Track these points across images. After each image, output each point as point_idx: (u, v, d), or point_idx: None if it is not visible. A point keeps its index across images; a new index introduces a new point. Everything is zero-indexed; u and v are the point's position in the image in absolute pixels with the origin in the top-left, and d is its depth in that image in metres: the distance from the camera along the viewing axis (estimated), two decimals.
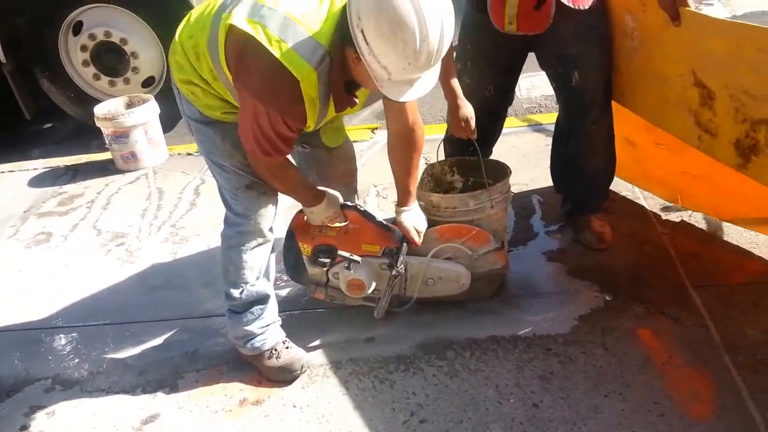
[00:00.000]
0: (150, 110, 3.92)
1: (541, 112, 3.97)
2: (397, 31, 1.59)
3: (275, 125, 1.78)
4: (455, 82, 2.38)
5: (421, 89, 1.74)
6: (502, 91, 2.61)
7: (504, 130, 2.83)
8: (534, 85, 4.26)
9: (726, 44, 2.01)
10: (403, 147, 2.18)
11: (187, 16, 2.01)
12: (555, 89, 2.64)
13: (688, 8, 2.10)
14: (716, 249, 2.52)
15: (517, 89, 2.77)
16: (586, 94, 2.52)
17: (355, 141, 2.84)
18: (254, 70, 1.74)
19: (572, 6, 2.30)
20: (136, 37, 4.34)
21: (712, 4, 5.01)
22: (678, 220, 2.78)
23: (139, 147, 3.87)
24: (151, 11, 4.23)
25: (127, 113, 3.85)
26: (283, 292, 2.64)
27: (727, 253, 2.52)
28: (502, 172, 2.48)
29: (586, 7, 2.34)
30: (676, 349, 2.15)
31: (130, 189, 3.72)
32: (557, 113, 2.79)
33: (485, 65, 2.51)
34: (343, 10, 1.69)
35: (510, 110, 2.82)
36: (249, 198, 2.11)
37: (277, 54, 1.67)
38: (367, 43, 1.62)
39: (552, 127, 3.02)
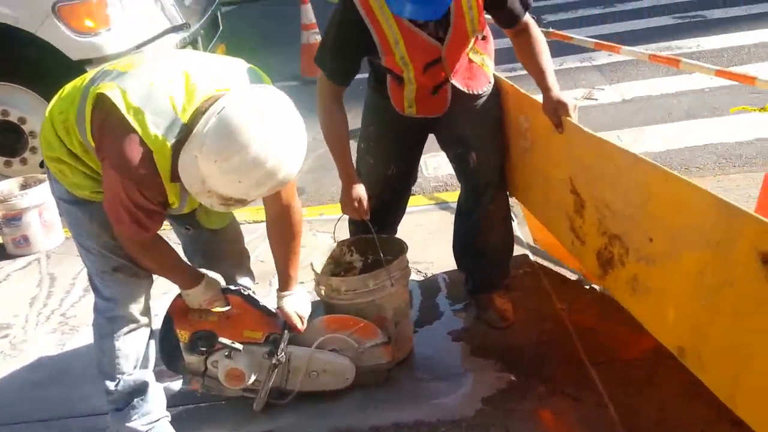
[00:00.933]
0: (46, 191, 3.77)
1: (447, 190, 4.01)
2: (244, 174, 1.64)
3: (131, 195, 1.74)
4: (347, 162, 2.41)
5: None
6: (405, 170, 2.67)
7: (411, 209, 2.87)
8: (440, 164, 4.32)
9: (593, 157, 2.13)
10: (279, 230, 2.16)
11: (60, 91, 1.98)
12: (455, 169, 2.72)
13: (569, 118, 2.22)
14: (612, 324, 2.58)
15: (424, 168, 2.85)
16: (482, 175, 2.59)
17: (258, 222, 2.80)
18: (111, 138, 1.72)
19: (466, 90, 2.40)
20: (36, 116, 4.21)
21: (603, 89, 5.32)
22: (575, 294, 2.84)
23: (33, 230, 3.70)
24: (51, 90, 4.12)
25: (21, 194, 3.69)
26: (176, 385, 2.51)
27: (622, 327, 2.57)
28: (399, 248, 2.49)
29: (480, 92, 2.45)
30: (577, 430, 2.15)
31: (20, 275, 3.53)
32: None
33: (387, 146, 2.57)
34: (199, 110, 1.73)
35: (417, 188, 2.88)
36: (117, 281, 2.03)
37: (132, 122, 1.68)
38: (205, 179, 1.68)
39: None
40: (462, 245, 2.87)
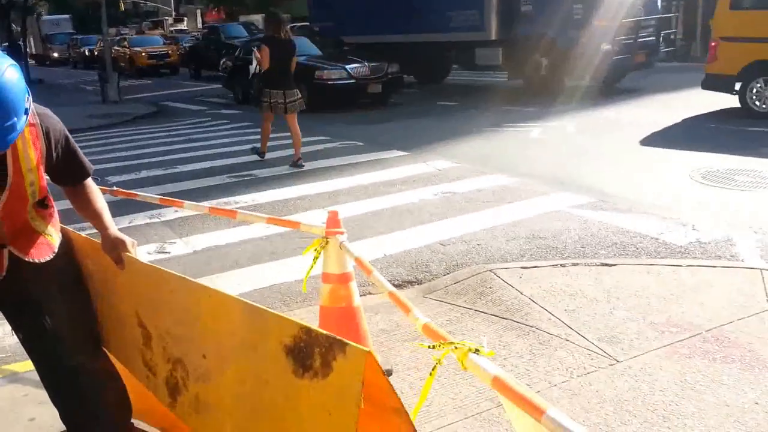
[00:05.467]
0: None
1: (17, 360, 3.83)
2: None
3: None
4: None
5: None
6: None
7: None
8: (6, 332, 4.10)
9: (152, 285, 2.32)
10: None
11: None
12: (22, 340, 2.50)
13: (128, 253, 2.38)
14: None
15: None
16: (63, 338, 2.42)
17: None
18: None
19: (27, 259, 2.33)
20: None
21: (174, 242, 5.74)
22: None
23: None
24: None
25: None
26: None
27: None
28: None
29: (43, 261, 2.37)
30: None
31: None
32: (35, 368, 2.59)
33: None
34: None
35: None
36: None
37: None
38: None
39: (33, 375, 2.87)
40: (70, 419, 2.59)
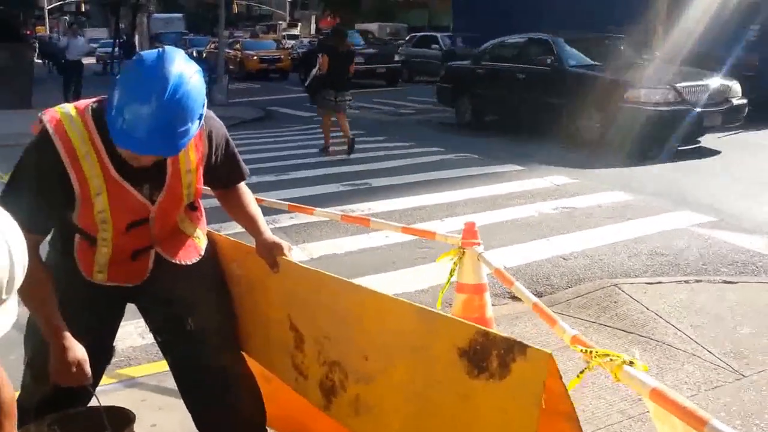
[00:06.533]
0: None
1: (130, 365, 3.92)
2: None
3: None
4: (54, 316, 2.11)
5: None
6: (99, 344, 2.34)
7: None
8: (119, 336, 4.11)
9: (309, 289, 2.33)
10: None
11: None
12: (163, 342, 2.55)
13: (284, 257, 2.38)
14: None
15: None
16: (207, 340, 2.45)
17: None
18: None
19: (173, 260, 2.35)
20: None
21: (292, 249, 6.11)
22: None
23: None
24: None
25: None
26: None
27: None
28: (125, 419, 2.29)
29: (189, 263, 2.39)
30: None
31: None
32: (171, 370, 2.62)
33: (73, 316, 2.18)
34: None
35: None
36: None
37: None
38: None
39: (149, 380, 3.13)
40: (208, 422, 2.61)
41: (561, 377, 1.63)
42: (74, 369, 2.11)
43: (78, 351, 2.13)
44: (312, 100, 11.59)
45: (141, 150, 1.98)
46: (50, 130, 2.05)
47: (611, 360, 1.71)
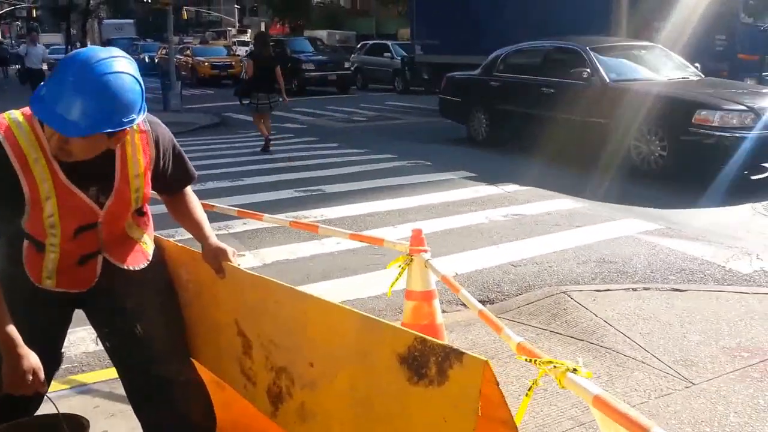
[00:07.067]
0: None
1: (83, 371, 3.89)
2: None
3: None
4: (6, 323, 2.08)
5: None
6: (49, 351, 2.31)
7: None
8: (72, 342, 3.94)
9: (256, 295, 2.36)
10: None
11: None
12: (111, 348, 2.51)
13: (230, 263, 2.42)
14: None
15: None
16: (155, 345, 2.43)
17: None
18: None
19: (121, 266, 2.36)
20: None
21: (244, 255, 6.00)
22: None
23: None
24: None
25: None
26: None
27: None
28: (79, 426, 2.31)
29: (137, 269, 2.40)
30: None
31: None
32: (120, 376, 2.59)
33: (25, 322, 2.16)
34: None
35: None
36: None
37: None
38: None
39: (102, 386, 3.04)
40: (158, 428, 2.58)
41: (498, 384, 1.64)
42: (30, 377, 2.09)
43: (32, 359, 2.11)
44: (240, 103, 13.08)
45: (53, 123, 1.96)
46: (0, 137, 2.07)
47: (555, 367, 1.72)
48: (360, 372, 1.96)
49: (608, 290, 4.75)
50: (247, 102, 11.92)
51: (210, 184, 8.78)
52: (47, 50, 23.20)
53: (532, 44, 11.53)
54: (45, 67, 16.25)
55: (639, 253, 5.75)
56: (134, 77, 2.03)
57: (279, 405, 2.26)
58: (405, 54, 23.78)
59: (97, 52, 2.03)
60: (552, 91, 10.28)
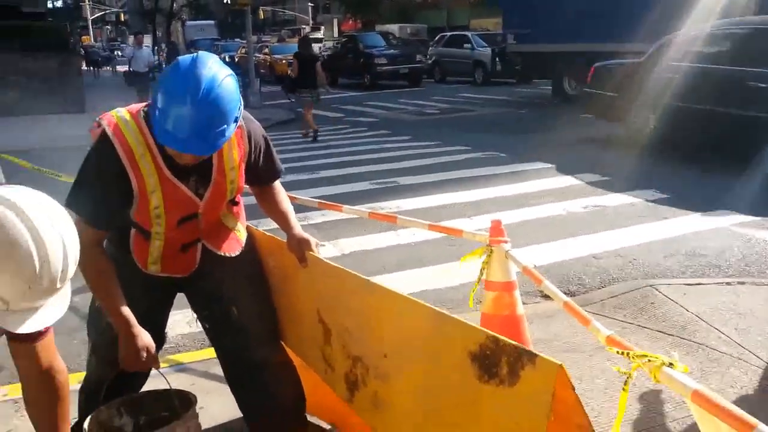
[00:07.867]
0: None
1: (179, 351, 4.06)
2: (10, 253, 1.49)
3: None
4: (121, 308, 2.27)
5: (48, 317, 1.64)
6: (154, 331, 2.47)
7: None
8: (169, 325, 4.28)
9: (333, 285, 2.41)
10: (41, 398, 2.01)
11: None
12: (209, 330, 2.68)
13: (312, 252, 2.49)
14: None
15: None
16: (250, 330, 2.57)
17: None
18: None
19: (218, 252, 2.51)
20: None
21: (324, 245, 6.02)
22: None
23: None
24: None
25: None
26: None
27: None
28: (188, 401, 2.44)
29: (232, 255, 2.54)
30: None
31: None
32: (218, 356, 2.75)
33: (135, 304, 2.35)
34: None
35: None
36: None
37: None
38: None
39: (197, 366, 3.09)
40: (252, 410, 2.74)
41: (573, 388, 1.56)
42: (144, 354, 2.28)
43: (146, 338, 2.30)
44: (288, 97, 14.99)
45: (181, 148, 2.10)
46: (109, 134, 2.20)
47: (649, 361, 1.61)
48: (431, 366, 1.95)
49: (699, 284, 4.50)
50: (293, 98, 13.35)
51: (288, 177, 8.80)
52: (152, 54, 23.96)
53: (715, 27, 9.12)
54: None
55: (732, 245, 5.44)
56: (231, 87, 2.12)
57: (355, 391, 2.31)
58: (485, 44, 23.38)
59: (200, 68, 2.07)
60: (764, 85, 7.84)
